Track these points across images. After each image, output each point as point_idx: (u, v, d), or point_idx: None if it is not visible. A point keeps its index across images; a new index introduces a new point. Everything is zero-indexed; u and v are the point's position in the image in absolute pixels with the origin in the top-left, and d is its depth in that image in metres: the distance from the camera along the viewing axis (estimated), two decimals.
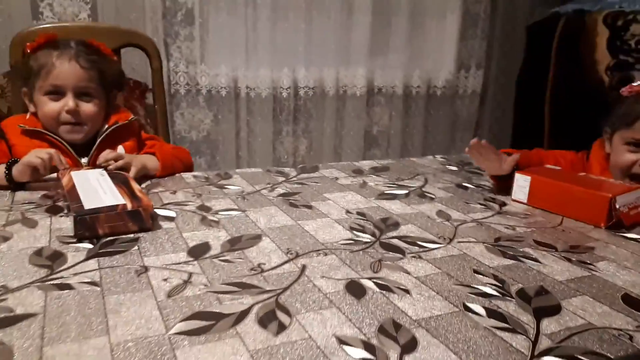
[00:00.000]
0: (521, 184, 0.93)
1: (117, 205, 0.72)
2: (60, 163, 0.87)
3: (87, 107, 1.00)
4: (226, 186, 0.99)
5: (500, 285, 0.61)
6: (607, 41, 2.45)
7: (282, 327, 0.50)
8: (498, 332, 0.50)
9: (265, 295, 0.57)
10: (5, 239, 0.70)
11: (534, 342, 0.49)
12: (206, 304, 0.54)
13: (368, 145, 2.79)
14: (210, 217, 0.82)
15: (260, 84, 2.47)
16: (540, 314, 0.54)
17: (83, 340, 0.47)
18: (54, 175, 0.90)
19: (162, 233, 0.74)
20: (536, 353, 0.47)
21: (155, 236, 0.73)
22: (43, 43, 0.98)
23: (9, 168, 0.88)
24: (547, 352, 0.47)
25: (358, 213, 0.86)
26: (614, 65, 2.44)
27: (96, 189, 0.80)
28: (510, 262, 0.68)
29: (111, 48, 1.29)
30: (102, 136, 1.02)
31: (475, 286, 0.61)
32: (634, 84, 0.98)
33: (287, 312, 0.53)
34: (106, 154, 0.93)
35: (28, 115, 1.02)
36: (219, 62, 2.41)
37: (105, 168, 0.92)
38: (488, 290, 0.60)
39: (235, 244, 0.71)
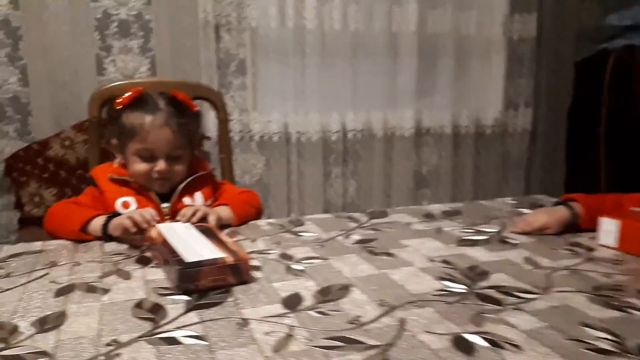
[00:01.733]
0: (608, 228, 0.90)
1: (219, 259, 0.73)
2: (151, 221, 0.90)
3: (177, 168, 1.04)
4: (301, 233, 1.00)
5: (617, 340, 0.58)
6: None
7: None
8: None
9: (372, 352, 0.56)
10: (105, 290, 0.72)
11: None
12: (311, 357, 0.54)
13: (418, 185, 2.77)
14: (295, 266, 0.82)
15: (310, 128, 2.52)
16: None
17: None
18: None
19: (252, 283, 0.74)
20: None
21: (247, 287, 0.73)
22: (132, 100, 1.03)
23: (107, 221, 0.92)
24: None
25: (443, 261, 0.84)
26: None
27: (189, 241, 0.81)
28: (618, 313, 0.65)
29: None
30: (183, 185, 1.05)
31: (588, 341, 0.58)
32: None
33: None
34: (186, 212, 0.96)
35: (116, 164, 1.07)
36: (270, 109, 2.47)
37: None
38: (603, 345, 0.57)
39: (326, 294, 0.71)
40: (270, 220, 1.09)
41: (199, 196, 1.08)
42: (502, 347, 0.56)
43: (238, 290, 0.72)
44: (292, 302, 0.68)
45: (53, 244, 0.93)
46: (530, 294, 0.71)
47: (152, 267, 0.82)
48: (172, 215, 1.02)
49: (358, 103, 2.56)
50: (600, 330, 0.60)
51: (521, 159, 2.93)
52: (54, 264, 0.83)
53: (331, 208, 2.64)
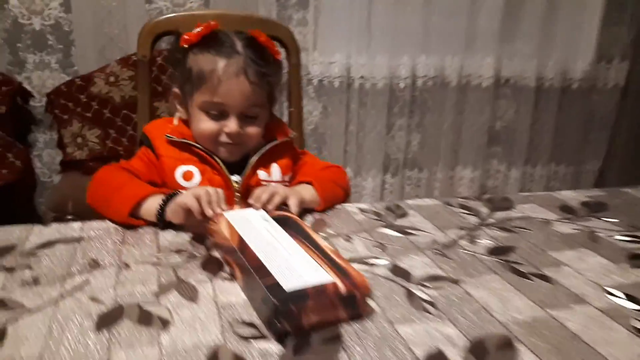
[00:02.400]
0: None
1: (327, 286, 0.51)
2: (219, 207, 0.68)
3: (251, 130, 0.82)
4: (408, 230, 0.76)
5: None
6: None
7: None
8: None
9: None
10: (164, 323, 0.51)
11: None
12: None
13: (489, 143, 2.48)
14: (418, 293, 0.59)
15: (375, 73, 2.24)
16: None
17: None
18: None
19: (367, 320, 0.52)
20: None
21: (363, 328, 0.51)
22: (203, 37, 0.80)
23: (164, 202, 0.70)
24: None
25: (626, 295, 0.59)
26: None
27: (276, 247, 0.59)
28: None
29: None
30: (259, 154, 0.82)
31: None
32: None
33: None
34: (261, 195, 0.72)
35: (176, 121, 0.85)
36: (332, 50, 2.19)
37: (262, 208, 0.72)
38: None
39: (480, 355, 0.48)
40: (362, 206, 0.85)
41: (275, 169, 0.85)
42: None
43: (351, 334, 0.50)
44: None
45: (95, 229, 0.72)
46: None
47: (225, 278, 0.60)
48: (244, 193, 0.80)
49: (431, 46, 2.24)
50: None
51: (607, 119, 2.58)
52: (95, 265, 0.62)
53: (390, 163, 2.40)
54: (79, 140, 1.86)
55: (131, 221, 0.71)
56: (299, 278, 0.52)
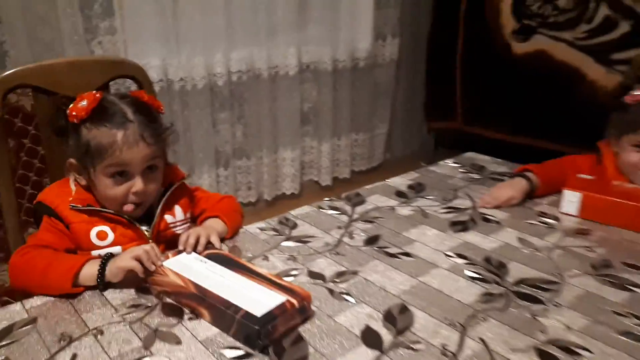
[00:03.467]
0: (571, 199, 1.05)
1: (286, 304, 0.69)
2: (158, 259, 0.79)
3: (153, 183, 0.90)
4: (304, 239, 0.98)
5: None
6: (511, 6, 2.67)
7: None
8: None
9: None
10: None
11: None
12: None
13: (301, 123, 2.80)
14: (336, 289, 0.81)
15: (194, 73, 2.33)
16: None
17: None
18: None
19: (314, 319, 0.73)
20: None
21: (313, 326, 0.72)
22: (92, 111, 0.84)
23: (102, 266, 0.78)
24: None
25: (457, 255, 0.91)
26: (519, 30, 2.69)
27: (229, 284, 0.75)
28: (624, 293, 0.80)
29: (101, 82, 1.15)
30: (162, 203, 0.93)
31: (630, 330, 0.71)
32: (635, 92, 1.13)
33: None
34: (187, 239, 0.86)
35: (74, 188, 0.89)
36: (146, 55, 2.21)
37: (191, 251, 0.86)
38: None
39: (394, 323, 0.73)
40: (260, 225, 1.03)
41: (178, 210, 0.97)
42: (578, 354, 0.66)
43: (307, 333, 0.71)
44: (373, 341, 0.69)
45: (41, 304, 0.77)
46: (552, 283, 0.82)
47: (190, 318, 0.74)
48: (155, 239, 0.91)
49: (239, 42, 2.42)
50: (629, 316, 0.74)
51: (388, 88, 3.12)
52: (70, 339, 0.70)
53: (220, 156, 2.56)
54: None
55: (73, 290, 0.78)
56: (262, 304, 0.70)
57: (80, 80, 1.11)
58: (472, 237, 0.98)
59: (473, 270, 0.87)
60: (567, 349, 0.67)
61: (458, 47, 2.96)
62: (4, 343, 0.69)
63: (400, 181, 1.26)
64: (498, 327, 0.72)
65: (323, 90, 2.79)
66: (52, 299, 0.79)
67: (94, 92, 0.89)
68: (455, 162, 1.39)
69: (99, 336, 0.70)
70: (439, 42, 3.05)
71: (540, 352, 0.67)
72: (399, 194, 1.19)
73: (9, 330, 0.72)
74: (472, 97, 2.97)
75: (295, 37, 2.56)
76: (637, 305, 0.77)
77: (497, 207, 1.10)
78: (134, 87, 1.25)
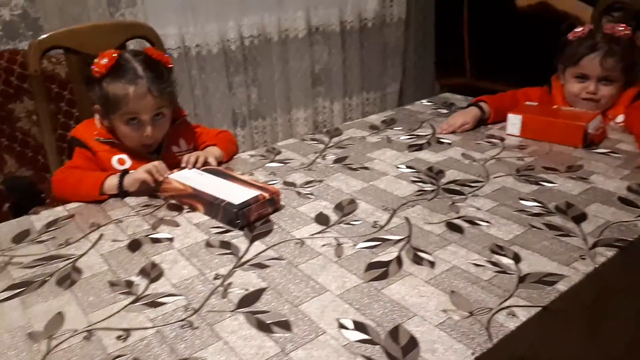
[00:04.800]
0: (514, 121, 1.22)
1: (259, 196, 0.92)
2: (164, 172, 1.03)
3: (161, 126, 1.12)
4: (285, 161, 1.19)
5: (542, 205, 0.90)
6: None
7: (431, 264, 0.76)
8: (562, 238, 0.80)
9: (401, 244, 0.82)
10: (170, 240, 0.88)
11: (585, 240, 0.79)
12: (363, 256, 0.78)
13: (313, 84, 2.99)
14: (303, 191, 1.03)
15: (208, 39, 2.54)
16: (577, 220, 0.85)
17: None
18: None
19: (284, 211, 0.95)
20: (590, 246, 0.77)
21: (280, 214, 0.94)
22: (111, 68, 1.06)
23: (121, 178, 1.02)
24: (595, 244, 0.78)
25: (407, 167, 1.11)
26: None
27: (217, 185, 0.98)
28: (536, 187, 0.98)
29: (119, 42, 1.38)
30: (167, 138, 1.16)
31: (527, 209, 0.90)
32: (577, 29, 1.28)
33: (427, 252, 0.79)
34: (189, 159, 1.08)
35: (99, 125, 1.13)
36: (164, 24, 2.43)
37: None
38: (537, 210, 0.89)
39: (342, 209, 0.94)
40: (251, 153, 1.26)
41: (182, 142, 1.19)
42: (479, 224, 0.86)
43: (275, 217, 0.93)
44: (323, 220, 0.91)
45: (77, 207, 1.02)
46: (477, 182, 1.01)
47: (187, 212, 0.97)
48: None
49: (251, 8, 2.61)
50: (531, 201, 0.92)
51: (398, 47, 3.25)
52: (97, 225, 0.94)
53: (237, 117, 2.78)
54: None
55: (100, 197, 1.03)
56: (240, 196, 0.92)
57: (101, 41, 1.34)
58: (423, 154, 1.18)
59: (416, 176, 1.06)
60: (470, 222, 0.87)
61: (465, 4, 3.07)
62: (52, 229, 0.94)
63: (376, 117, 1.46)
64: (421, 210, 0.92)
65: (333, 52, 2.95)
66: (85, 203, 1.03)
67: (113, 51, 1.10)
68: (429, 101, 1.57)
69: (119, 223, 0.95)
70: (446, 2, 3.16)
71: (448, 224, 0.87)
72: (372, 127, 1.38)
73: (54, 222, 0.97)
74: (479, 51, 3.08)
75: (303, 1, 2.72)
76: (540, 194, 0.95)
77: (452, 132, 1.28)
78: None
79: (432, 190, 1.00)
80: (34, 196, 1.94)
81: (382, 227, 0.87)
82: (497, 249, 0.78)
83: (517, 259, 0.76)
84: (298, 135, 2.95)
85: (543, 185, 0.99)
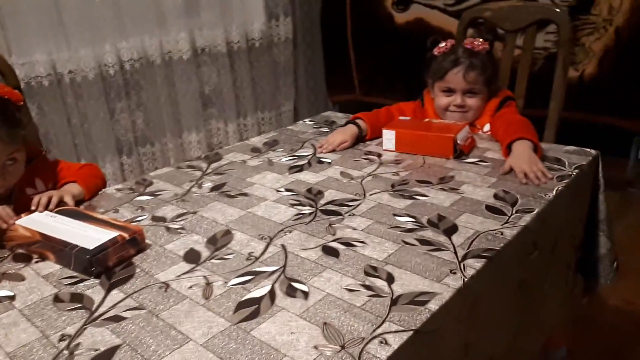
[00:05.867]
0: (388, 137, 1.24)
1: (118, 237, 0.82)
2: (9, 218, 0.90)
3: (14, 173, 0.99)
4: (157, 193, 1.11)
5: (415, 219, 0.91)
6: None
7: (305, 294, 0.72)
8: (434, 253, 0.80)
9: (275, 275, 0.77)
10: (11, 298, 0.76)
11: (455, 253, 0.79)
12: (234, 294, 0.73)
13: (205, 106, 2.90)
14: (173, 226, 0.95)
15: (83, 65, 2.37)
16: (448, 233, 0.85)
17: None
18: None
19: (149, 251, 0.87)
20: (460, 259, 0.78)
21: (145, 254, 0.86)
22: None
23: None
24: (465, 257, 0.78)
25: (287, 190, 1.07)
26: (398, 0, 2.91)
27: (70, 229, 0.87)
28: (410, 201, 0.98)
29: None
30: (21, 179, 1.02)
31: (400, 225, 0.89)
32: (440, 45, 1.34)
33: (302, 282, 0.75)
34: (39, 201, 0.96)
35: None
36: (31, 51, 2.23)
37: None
38: (410, 226, 0.89)
39: (215, 243, 0.88)
40: (118, 187, 1.15)
41: (39, 183, 1.07)
42: (354, 246, 0.84)
43: (138, 260, 0.84)
44: (193, 257, 0.84)
45: None
46: (354, 201, 1.00)
47: (36, 262, 0.86)
48: (18, 211, 1.01)
49: (129, 30, 2.48)
50: (405, 216, 0.92)
51: (288, 66, 3.27)
52: None
53: (123, 144, 2.62)
54: None
55: None
56: (96, 240, 0.83)
57: None
58: (304, 175, 1.15)
59: (295, 199, 1.03)
60: (347, 243, 0.85)
61: (348, 22, 3.15)
62: None
63: (258, 139, 1.42)
64: (298, 235, 0.88)
65: (222, 72, 2.89)
66: None
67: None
68: (311, 120, 1.56)
69: None
70: (330, 19, 3.23)
71: (324, 248, 0.84)
72: (254, 150, 1.33)
73: None
74: (365, 68, 3.18)
75: (186, 22, 2.64)
76: (414, 208, 0.95)
77: (332, 150, 1.27)
78: None
79: (311, 213, 0.96)
80: None
81: (256, 258, 0.82)
82: (371, 271, 0.76)
83: (390, 279, 0.74)
84: (177, 162, 2.86)
85: (417, 199, 0.99)
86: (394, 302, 0.69)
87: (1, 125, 0.95)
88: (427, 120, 1.30)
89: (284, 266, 0.79)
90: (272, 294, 0.73)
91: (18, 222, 0.92)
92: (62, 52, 2.30)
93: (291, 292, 0.73)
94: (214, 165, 1.25)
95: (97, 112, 2.46)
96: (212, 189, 1.11)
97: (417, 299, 0.69)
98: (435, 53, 1.32)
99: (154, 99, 2.65)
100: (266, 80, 3.13)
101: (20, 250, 0.89)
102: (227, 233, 0.91)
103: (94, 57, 2.39)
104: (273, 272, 0.78)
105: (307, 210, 0.98)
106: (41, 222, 0.91)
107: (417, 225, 0.89)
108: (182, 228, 0.94)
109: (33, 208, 0.97)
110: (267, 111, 3.20)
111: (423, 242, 0.84)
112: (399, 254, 0.80)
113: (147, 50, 2.57)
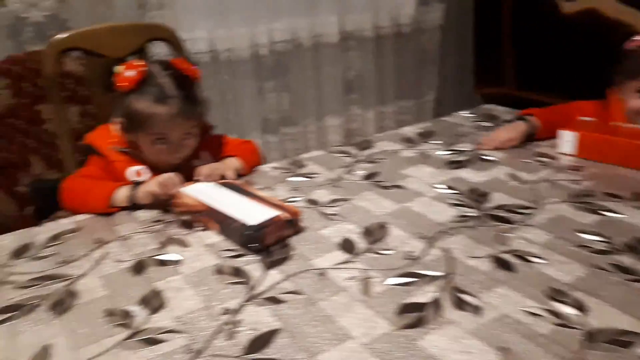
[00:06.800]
0: (567, 139, 1.09)
1: (277, 217, 0.82)
2: (177, 185, 0.94)
3: (188, 148, 1.03)
4: (309, 175, 1.09)
5: (607, 240, 0.77)
6: None
7: (476, 309, 0.64)
8: (635, 284, 0.67)
9: (441, 282, 0.70)
10: (176, 262, 0.78)
11: None
12: (395, 294, 0.67)
13: (346, 91, 2.88)
14: (326, 211, 0.92)
15: (238, 44, 2.47)
16: None
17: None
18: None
19: (305, 234, 0.85)
20: None
21: (300, 237, 0.84)
22: (137, 83, 0.97)
23: (132, 190, 0.94)
24: None
25: (446, 187, 0.99)
26: None
27: (232, 202, 0.88)
28: (597, 217, 0.85)
29: (137, 45, 1.30)
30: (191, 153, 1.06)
31: (587, 244, 0.77)
32: (635, 38, 1.14)
33: (472, 295, 0.67)
34: (205, 172, 0.99)
35: (116, 133, 1.05)
36: (194, 28, 2.37)
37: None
38: (600, 247, 0.76)
39: (371, 235, 0.83)
40: (273, 165, 1.16)
41: (205, 155, 1.10)
42: (532, 262, 0.73)
43: (294, 241, 0.82)
44: (348, 247, 0.80)
45: (84, 219, 0.94)
46: (527, 208, 0.89)
47: (200, 230, 0.88)
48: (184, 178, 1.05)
49: (283, 12, 2.54)
50: (593, 234, 0.79)
51: (435, 54, 3.12)
52: (101, 242, 0.86)
53: (268, 123, 2.70)
54: None
55: (109, 210, 0.95)
56: (257, 217, 0.82)
57: (120, 43, 1.27)
58: (465, 173, 1.05)
59: (456, 198, 0.94)
60: (522, 258, 0.75)
61: (505, 10, 2.92)
62: (54, 243, 0.86)
63: (410, 129, 1.34)
64: (463, 240, 0.80)
65: (367, 58, 2.85)
66: (92, 216, 0.95)
67: (140, 63, 1.00)
68: (470, 113, 1.44)
69: (125, 241, 0.86)
70: (485, 5, 3.02)
71: (496, 259, 0.75)
72: (407, 140, 1.27)
73: (58, 235, 0.89)
74: (522, 60, 2.93)
75: (336, 5, 2.64)
76: (603, 226, 0.82)
77: (497, 148, 1.15)
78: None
79: (475, 217, 0.87)
80: (58, 201, 1.91)
81: (416, 259, 0.76)
82: (556, 295, 0.66)
83: (581, 308, 0.63)
84: (329, 144, 2.88)
85: (605, 215, 0.85)
86: (590, 337, 0.58)
87: (183, 101, 0.98)
88: (614, 123, 1.12)
89: (450, 273, 0.72)
90: (437, 302, 0.66)
91: (184, 189, 0.95)
92: (221, 30, 2.42)
93: (460, 304, 0.65)
94: (365, 152, 1.20)
95: (247, 90, 2.56)
96: (365, 177, 1.06)
97: (619, 339, 0.58)
98: (628, 48, 1.13)
99: (300, 81, 2.69)
100: (410, 67, 3.02)
101: (185, 217, 0.93)
102: (383, 226, 0.86)
103: (249, 36, 2.48)
104: (437, 278, 0.71)
105: (470, 212, 0.89)
106: (205, 192, 0.94)
107: (611, 248, 0.76)
108: (336, 214, 0.91)
109: (198, 178, 1.00)
110: (408, 100, 3.10)
111: (620, 268, 0.71)
112: (590, 279, 0.69)
113: (298, 33, 2.61)
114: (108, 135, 1.05)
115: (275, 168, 1.14)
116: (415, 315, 0.64)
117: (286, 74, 2.66)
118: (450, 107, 3.29)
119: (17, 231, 0.92)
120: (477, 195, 0.95)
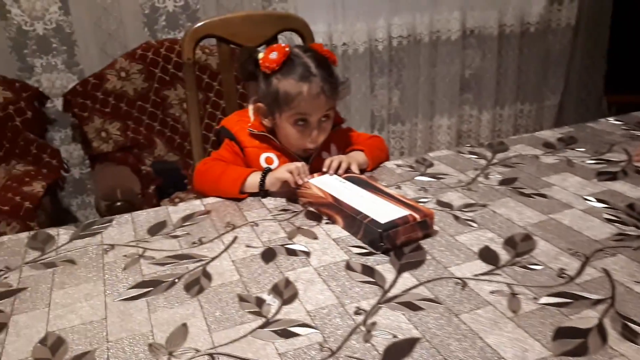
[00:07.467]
0: None
1: (409, 217, 0.77)
2: (306, 175, 0.93)
3: (325, 130, 1.03)
4: (438, 175, 1.03)
5: None
6: None
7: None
8: None
9: (602, 306, 0.61)
10: (306, 253, 0.77)
11: None
12: (549, 316, 0.59)
13: (461, 90, 2.75)
14: (461, 215, 0.86)
15: (356, 38, 2.45)
16: None
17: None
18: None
19: (435, 236, 0.79)
20: None
21: (433, 240, 0.78)
22: (283, 63, 0.98)
23: (263, 177, 0.95)
24: None
25: (598, 200, 0.88)
26: None
27: (361, 198, 0.85)
28: None
29: (270, 34, 1.32)
30: (322, 143, 1.05)
31: None
32: None
33: (637, 323, 0.58)
34: (331, 164, 0.97)
35: (253, 118, 1.06)
36: (314, 21, 2.38)
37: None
38: None
39: (515, 247, 0.76)
40: (398, 162, 1.11)
41: (334, 148, 1.09)
42: None
43: (427, 245, 0.77)
44: (490, 257, 0.73)
45: (214, 203, 0.97)
46: None
47: (326, 223, 0.86)
48: (311, 170, 1.03)
49: (402, 7, 2.47)
50: None
51: (563, 55, 2.88)
52: (232, 226, 0.87)
53: (376, 120, 2.66)
54: (103, 134, 2.04)
55: (240, 195, 0.96)
56: (387, 215, 0.78)
57: (253, 31, 1.30)
58: (619, 186, 0.93)
59: (612, 214, 0.84)
60: None
61: None
62: (187, 224, 0.89)
63: (550, 134, 1.23)
64: (626, 262, 0.70)
65: (487, 56, 2.70)
66: (223, 199, 0.97)
67: (283, 45, 1.01)
68: (618, 120, 1.29)
69: (254, 227, 0.86)
70: (624, 6, 2.74)
71: None
72: (547, 145, 1.16)
73: (189, 217, 0.91)
74: None
75: (460, 2, 2.53)
76: None
77: None
78: (297, 40, 1.40)
79: (637, 237, 0.76)
80: (178, 181, 2.01)
81: (572, 278, 0.68)
82: None
83: None
84: (439, 144, 2.78)
85: None
86: None
87: (326, 79, 0.98)
88: None
89: (612, 297, 0.63)
90: (601, 330, 0.58)
91: (311, 180, 0.94)
92: (339, 24, 2.41)
93: (629, 334, 0.57)
94: (499, 155, 1.11)
95: (359, 85, 2.54)
96: (501, 183, 0.98)
97: None
98: None
99: (414, 78, 2.62)
100: (534, 69, 2.82)
101: (311, 208, 0.91)
102: (528, 238, 0.78)
103: (367, 31, 2.44)
104: (598, 302, 0.62)
105: (631, 231, 0.78)
106: (332, 184, 0.92)
107: None
108: (473, 221, 0.84)
109: (324, 169, 0.98)
110: (529, 103, 2.90)
111: None
112: None
113: (417, 28, 2.54)
114: (244, 120, 1.06)
115: (399, 165, 1.09)
116: (576, 342, 0.56)
117: (400, 70, 2.60)
118: (573, 114, 3.04)
119: (151, 209, 0.96)
120: (637, 213, 0.83)
